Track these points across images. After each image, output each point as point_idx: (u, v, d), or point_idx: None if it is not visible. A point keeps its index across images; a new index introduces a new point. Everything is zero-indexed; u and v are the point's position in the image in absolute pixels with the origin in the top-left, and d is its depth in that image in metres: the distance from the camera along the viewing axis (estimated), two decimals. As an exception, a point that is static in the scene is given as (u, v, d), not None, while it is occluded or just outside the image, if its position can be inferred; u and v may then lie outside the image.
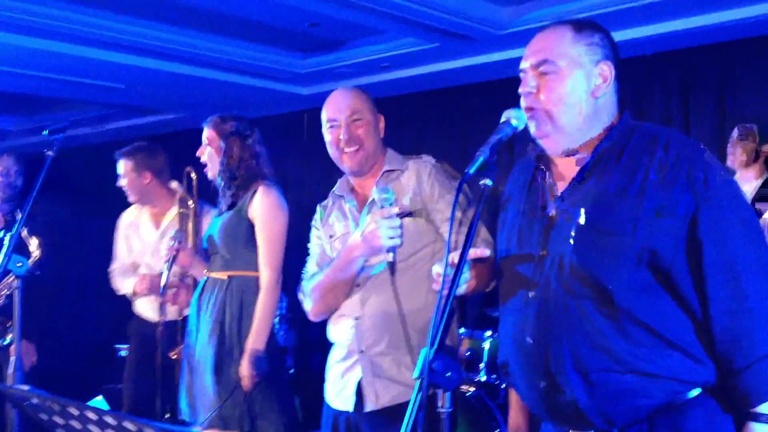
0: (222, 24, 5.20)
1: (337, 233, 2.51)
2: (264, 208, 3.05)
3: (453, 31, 4.99)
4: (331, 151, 2.46)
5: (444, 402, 1.57)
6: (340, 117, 2.42)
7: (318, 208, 2.62)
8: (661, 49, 5.11)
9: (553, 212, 1.75)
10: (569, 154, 1.78)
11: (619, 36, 4.91)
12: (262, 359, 2.96)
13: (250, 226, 3.07)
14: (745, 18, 4.52)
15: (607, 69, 1.75)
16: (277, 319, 5.86)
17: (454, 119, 6.14)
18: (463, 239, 1.62)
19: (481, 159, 1.66)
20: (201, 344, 3.07)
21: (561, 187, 1.78)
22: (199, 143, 3.21)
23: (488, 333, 4.28)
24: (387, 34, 5.34)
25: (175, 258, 3.33)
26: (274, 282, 3.03)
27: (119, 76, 5.89)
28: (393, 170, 2.46)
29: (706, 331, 1.64)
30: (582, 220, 1.69)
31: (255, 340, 2.97)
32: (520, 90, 1.77)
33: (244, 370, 2.94)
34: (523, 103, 1.76)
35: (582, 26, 1.77)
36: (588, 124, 1.75)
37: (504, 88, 6.06)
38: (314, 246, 2.57)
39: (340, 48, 5.70)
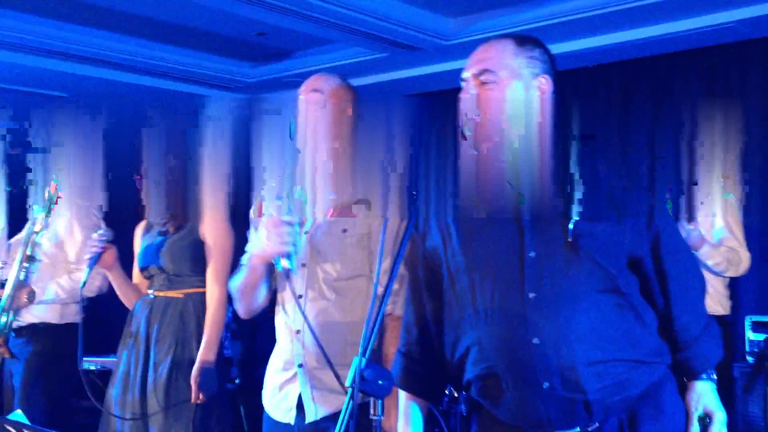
0: (170, 33, 5.17)
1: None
2: (213, 226, 3.11)
3: (401, 42, 5.04)
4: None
5: (376, 410, 1.60)
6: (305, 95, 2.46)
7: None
8: (603, 61, 5.23)
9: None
10: None
11: (564, 47, 5.04)
12: (213, 373, 3.00)
13: (201, 244, 3.12)
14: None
15: (545, 82, 1.81)
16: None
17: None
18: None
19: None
20: (155, 361, 3.09)
21: None
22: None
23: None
24: (336, 44, 5.37)
25: (99, 256, 3.20)
26: (223, 297, 3.06)
27: (63, 85, 5.82)
28: None
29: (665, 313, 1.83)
30: (569, 238, 1.77)
31: (206, 352, 3.02)
32: (460, 95, 1.82)
33: (193, 380, 2.98)
34: (462, 109, 1.81)
35: (524, 40, 1.84)
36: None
37: (452, 98, 6.13)
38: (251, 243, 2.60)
39: (289, 57, 5.72)
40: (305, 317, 2.30)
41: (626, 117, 5.28)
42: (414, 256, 1.93)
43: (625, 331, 1.73)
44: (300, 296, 2.34)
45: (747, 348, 3.89)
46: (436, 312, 1.90)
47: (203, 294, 3.11)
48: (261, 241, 2.25)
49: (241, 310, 2.46)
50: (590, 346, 1.69)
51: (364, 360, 1.56)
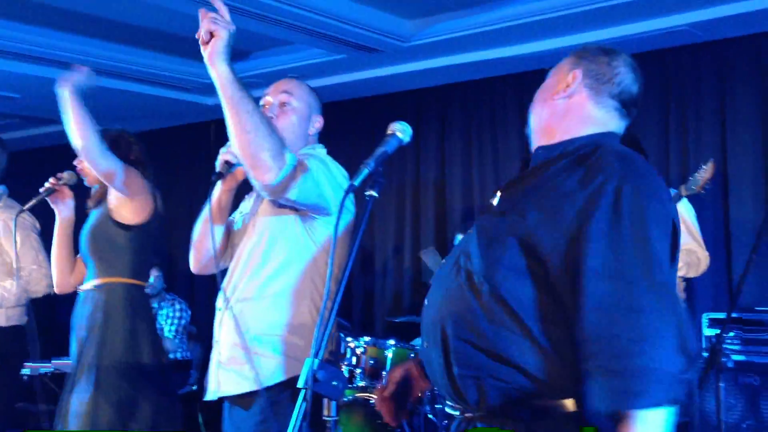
0: (126, 33, 5.11)
1: (242, 209, 2.54)
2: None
3: (359, 43, 5.05)
4: None
5: (329, 410, 1.59)
6: (272, 96, 2.47)
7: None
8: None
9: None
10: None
11: (522, 49, 5.06)
12: None
13: (113, 225, 3.08)
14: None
15: (575, 76, 1.81)
16: (171, 331, 5.75)
17: (362, 130, 6.19)
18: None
19: (366, 171, 1.70)
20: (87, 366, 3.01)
21: None
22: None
23: (391, 342, 4.32)
24: (294, 45, 5.36)
25: (52, 191, 3.17)
26: None
27: (14, 85, 5.71)
28: None
29: (577, 328, 1.54)
30: (495, 201, 1.77)
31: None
32: None
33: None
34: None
35: (596, 49, 1.87)
36: (549, 127, 1.83)
37: (412, 98, 6.20)
38: None
39: (246, 58, 5.68)
40: (225, 294, 2.34)
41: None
42: None
43: (490, 319, 1.61)
44: (223, 271, 2.41)
45: (703, 344, 3.96)
46: None
47: (122, 284, 3.02)
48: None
49: (193, 257, 2.50)
50: (453, 321, 1.67)
51: (317, 361, 1.54)
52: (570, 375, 1.55)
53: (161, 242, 3.18)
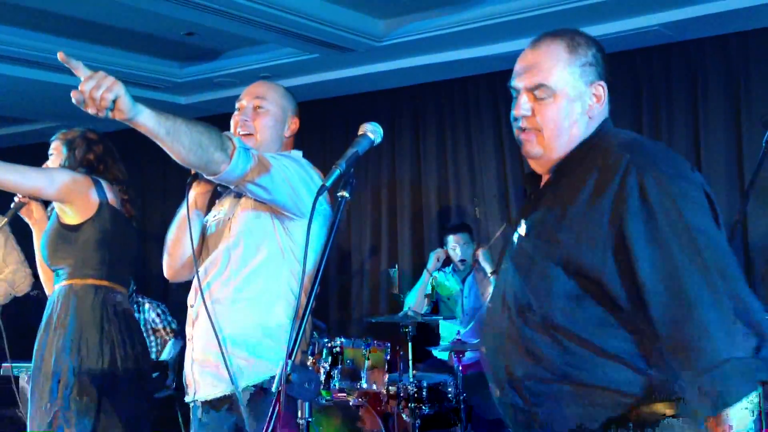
0: (96, 32, 5.05)
1: (215, 213, 2.50)
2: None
3: (331, 43, 5.03)
4: (231, 131, 2.43)
5: (303, 412, 1.58)
6: (246, 100, 2.45)
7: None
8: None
9: (516, 226, 1.79)
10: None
11: (493, 49, 5.08)
12: None
13: (61, 226, 3.04)
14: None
15: (602, 89, 1.74)
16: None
17: (336, 129, 6.18)
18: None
19: (337, 172, 1.69)
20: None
21: None
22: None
23: (369, 342, 4.30)
24: (267, 45, 5.33)
25: (21, 206, 3.14)
26: None
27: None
28: None
29: (650, 339, 1.58)
30: (523, 230, 1.72)
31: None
32: (514, 112, 1.75)
33: None
34: (517, 123, 1.76)
35: (576, 43, 1.76)
36: (576, 140, 1.74)
37: (385, 98, 6.19)
38: None
39: (218, 57, 5.65)
40: (202, 294, 2.32)
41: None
42: None
43: (560, 351, 1.63)
44: (197, 271, 2.37)
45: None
46: None
47: (84, 285, 2.97)
48: None
49: (166, 263, 2.48)
50: (516, 362, 1.68)
51: (290, 363, 1.53)
52: (641, 382, 1.59)
53: (127, 240, 3.12)
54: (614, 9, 4.51)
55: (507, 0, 4.56)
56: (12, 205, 3.20)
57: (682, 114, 4.92)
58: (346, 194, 1.69)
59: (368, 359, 4.28)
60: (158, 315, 5.93)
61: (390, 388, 4.22)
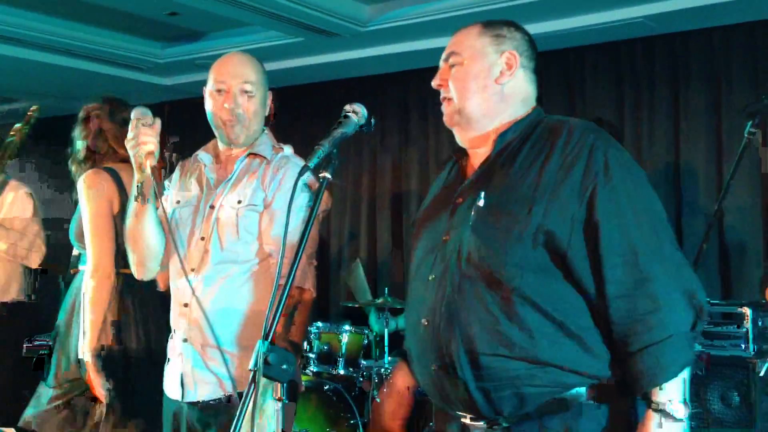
0: (75, 8, 4.98)
1: (184, 200, 2.40)
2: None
3: (316, 26, 4.99)
4: (211, 116, 2.34)
5: (279, 394, 1.57)
6: (230, 83, 2.31)
7: (177, 168, 2.50)
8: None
9: (459, 199, 1.79)
10: (479, 143, 1.83)
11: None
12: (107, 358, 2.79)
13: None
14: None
15: (513, 57, 1.80)
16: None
17: (320, 115, 6.15)
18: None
19: (320, 152, 1.68)
20: None
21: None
22: (53, 132, 3.12)
23: (346, 326, 4.31)
24: (251, 27, 5.28)
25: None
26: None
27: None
28: (256, 155, 2.37)
29: (602, 316, 1.64)
30: (481, 202, 1.73)
31: (92, 338, 2.76)
32: (432, 83, 1.87)
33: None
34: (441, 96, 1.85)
35: (492, 22, 1.86)
36: (494, 111, 1.80)
37: (369, 84, 6.16)
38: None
39: (201, 38, 5.59)
40: (194, 292, 2.25)
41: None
42: None
43: (520, 326, 1.64)
44: (192, 269, 2.28)
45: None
46: None
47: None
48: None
49: (135, 262, 2.37)
50: (475, 335, 1.67)
51: (266, 343, 1.53)
52: (601, 362, 1.66)
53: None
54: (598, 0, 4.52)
55: (493, -12, 4.56)
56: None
57: (663, 105, 4.94)
58: (328, 175, 1.68)
59: (345, 344, 4.30)
60: None
61: (365, 373, 4.23)
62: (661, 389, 1.59)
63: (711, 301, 4.21)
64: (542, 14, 4.67)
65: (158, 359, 2.89)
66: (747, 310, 3.86)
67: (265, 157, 2.36)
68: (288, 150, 2.41)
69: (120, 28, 5.40)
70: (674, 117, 4.91)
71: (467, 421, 1.74)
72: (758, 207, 4.59)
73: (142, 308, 2.91)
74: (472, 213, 1.72)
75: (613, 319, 1.62)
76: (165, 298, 2.73)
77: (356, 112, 1.79)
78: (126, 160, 2.80)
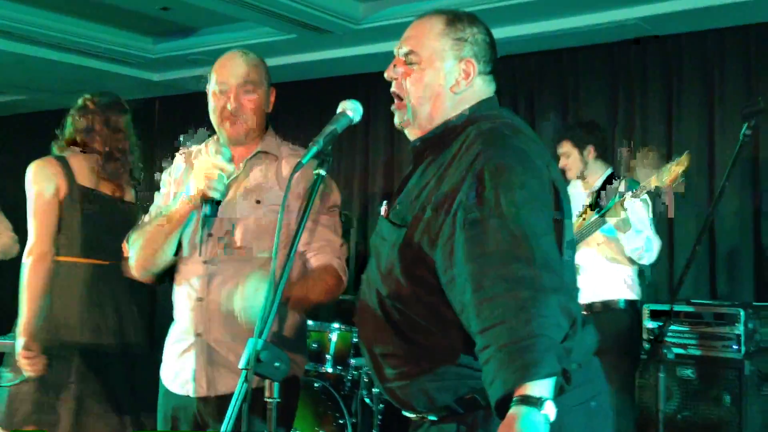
0: (68, 4, 4.96)
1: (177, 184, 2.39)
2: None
3: (310, 23, 4.98)
4: (213, 116, 2.33)
5: (272, 392, 1.55)
6: (232, 83, 2.29)
7: (179, 156, 2.46)
8: (511, 53, 5.31)
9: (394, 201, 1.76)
10: None
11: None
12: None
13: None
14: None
15: (470, 65, 1.72)
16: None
17: (311, 112, 6.13)
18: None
19: (314, 149, 1.66)
20: None
21: None
22: (40, 125, 3.09)
23: (336, 324, 4.29)
24: (244, 23, 5.26)
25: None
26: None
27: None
28: (267, 153, 2.36)
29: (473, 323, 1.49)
30: (383, 211, 1.72)
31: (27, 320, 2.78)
32: (385, 74, 1.77)
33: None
34: (392, 88, 1.78)
35: (456, 19, 1.75)
36: (446, 116, 1.72)
37: (362, 82, 6.14)
38: (161, 197, 2.43)
39: (193, 34, 5.56)
40: (209, 286, 2.23)
41: (531, 109, 5.38)
42: None
43: (401, 333, 1.62)
44: (205, 262, 2.26)
45: (644, 336, 4.00)
46: None
47: (57, 263, 2.89)
48: (191, 183, 2.15)
49: (137, 263, 2.31)
50: (374, 338, 1.68)
51: (260, 341, 1.51)
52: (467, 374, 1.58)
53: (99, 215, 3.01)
54: (594, 1, 4.51)
55: (487, -13, 4.55)
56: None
57: (656, 106, 4.95)
58: (322, 172, 1.66)
59: (334, 342, 4.28)
60: None
61: (354, 372, 4.22)
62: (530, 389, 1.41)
63: (703, 303, 4.22)
64: (536, 15, 4.66)
65: (131, 351, 2.94)
66: (739, 312, 3.87)
67: (274, 154, 2.37)
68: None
69: (112, 23, 5.36)
70: (667, 117, 4.92)
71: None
72: (750, 209, 4.60)
73: (114, 300, 2.93)
74: (379, 224, 1.74)
75: (479, 326, 1.46)
76: (136, 288, 2.84)
77: (351, 110, 1.77)
78: (86, 150, 2.97)
